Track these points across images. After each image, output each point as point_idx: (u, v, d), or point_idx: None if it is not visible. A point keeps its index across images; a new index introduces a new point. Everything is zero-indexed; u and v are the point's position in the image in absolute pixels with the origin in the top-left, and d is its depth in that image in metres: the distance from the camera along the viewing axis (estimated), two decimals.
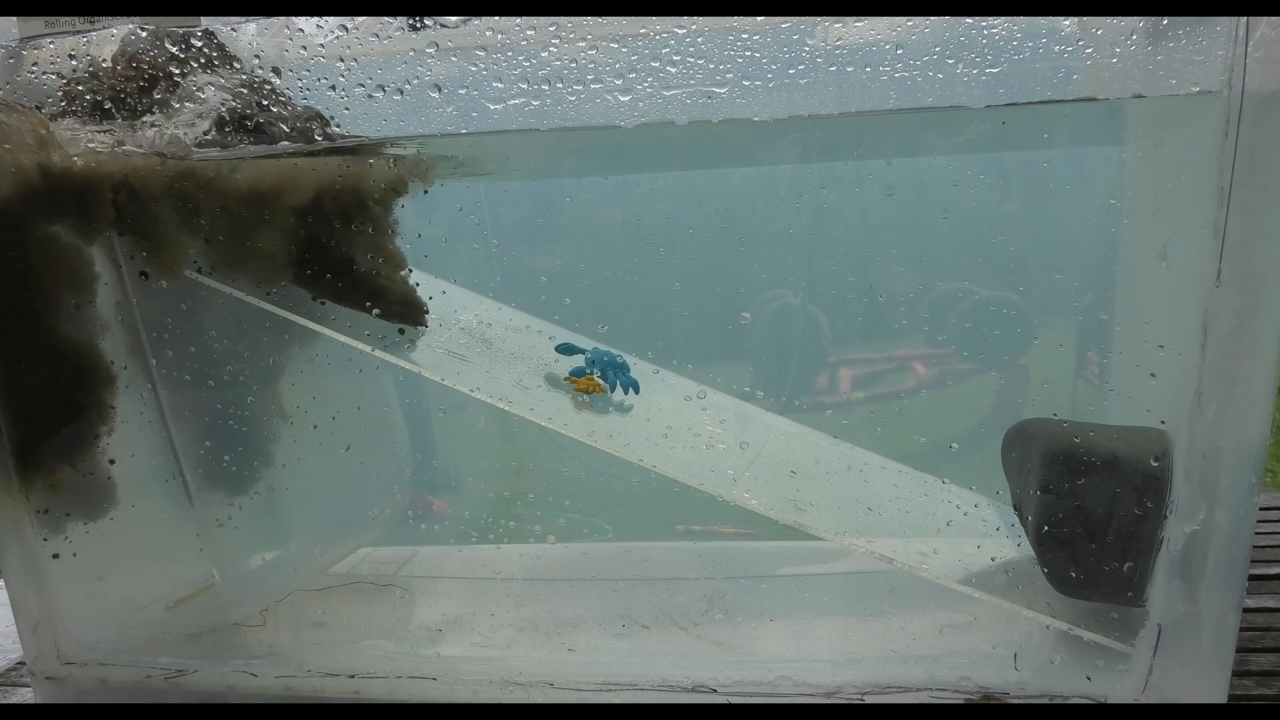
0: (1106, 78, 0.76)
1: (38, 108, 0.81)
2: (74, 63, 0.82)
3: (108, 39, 0.81)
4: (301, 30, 0.78)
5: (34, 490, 0.86)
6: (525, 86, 0.77)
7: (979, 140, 0.92)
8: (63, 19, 0.81)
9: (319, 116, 0.82)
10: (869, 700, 0.79)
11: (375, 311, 0.90)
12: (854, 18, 0.74)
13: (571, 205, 0.94)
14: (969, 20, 0.73)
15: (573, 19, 0.75)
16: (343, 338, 0.88)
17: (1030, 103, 0.77)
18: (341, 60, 0.78)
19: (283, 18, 0.78)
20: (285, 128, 0.82)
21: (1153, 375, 0.77)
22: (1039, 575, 0.82)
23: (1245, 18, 0.65)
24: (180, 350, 0.94)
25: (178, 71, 0.82)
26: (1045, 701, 0.77)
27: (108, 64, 0.82)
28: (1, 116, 0.78)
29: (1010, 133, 0.86)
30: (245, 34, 0.82)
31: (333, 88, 0.79)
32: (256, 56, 0.83)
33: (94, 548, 0.90)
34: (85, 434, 0.87)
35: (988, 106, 0.76)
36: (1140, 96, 0.75)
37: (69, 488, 0.87)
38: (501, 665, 0.88)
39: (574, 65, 0.76)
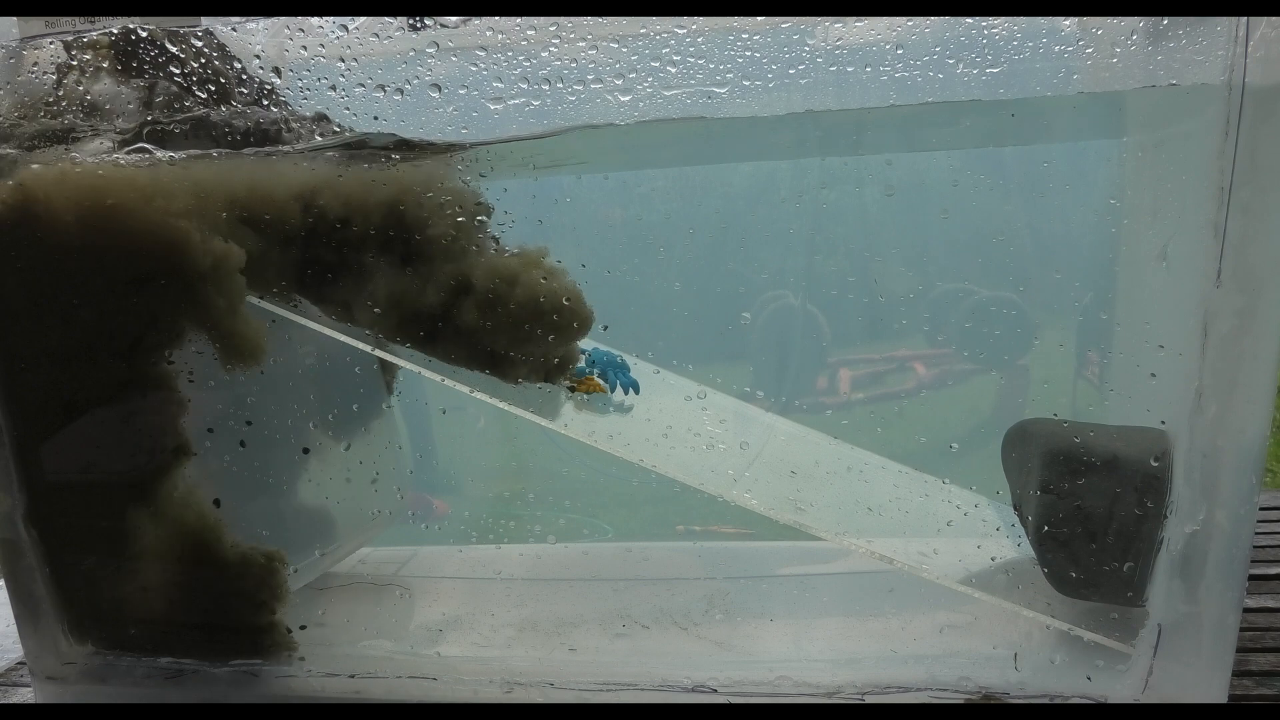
0: (1107, 77, 0.76)
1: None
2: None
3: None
4: (302, 30, 0.78)
5: None
6: (525, 86, 0.77)
7: (980, 137, 0.92)
8: (63, 19, 0.81)
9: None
10: (869, 700, 0.79)
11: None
12: (854, 18, 0.74)
13: (571, 205, 0.94)
14: (969, 20, 0.73)
15: (573, 19, 0.75)
16: (342, 337, 0.88)
17: (1031, 98, 0.77)
18: (341, 60, 0.78)
19: (282, 18, 0.78)
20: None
21: (1153, 375, 0.77)
22: (1039, 575, 0.82)
23: (1245, 17, 0.65)
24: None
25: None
26: (1045, 701, 0.77)
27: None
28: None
29: (1011, 131, 0.86)
30: (254, 35, 0.81)
31: (333, 88, 0.79)
32: (257, 56, 0.83)
33: None
34: None
35: (990, 102, 0.76)
36: (1145, 88, 0.75)
37: None
38: (501, 665, 0.88)
39: (574, 65, 0.76)
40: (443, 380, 0.87)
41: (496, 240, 0.88)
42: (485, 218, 0.87)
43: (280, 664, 0.88)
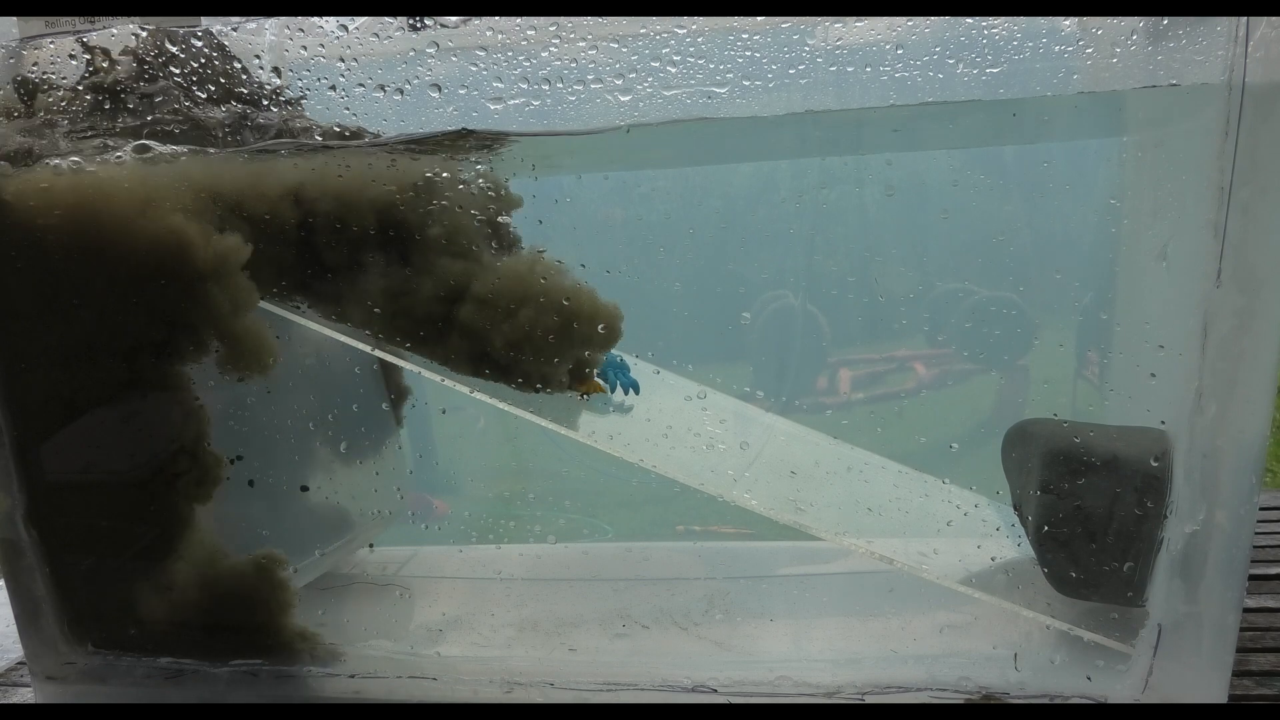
0: (1107, 77, 0.76)
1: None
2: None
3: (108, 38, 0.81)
4: (302, 30, 0.78)
5: None
6: (525, 86, 0.77)
7: (980, 137, 0.92)
8: (63, 19, 0.81)
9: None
10: (869, 700, 0.79)
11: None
12: (854, 18, 0.74)
13: (571, 205, 0.94)
14: (969, 20, 0.73)
15: (573, 19, 0.75)
16: (343, 337, 0.88)
17: (1031, 98, 0.77)
18: (341, 60, 0.78)
19: (281, 18, 0.78)
20: None
21: (1153, 375, 0.77)
22: (1039, 575, 0.82)
23: (1245, 17, 0.65)
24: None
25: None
26: (1045, 701, 0.77)
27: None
28: None
29: (1012, 131, 0.86)
30: (262, 36, 0.81)
31: (333, 88, 0.79)
32: (257, 56, 0.83)
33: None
34: None
35: (990, 102, 0.76)
36: (1145, 88, 0.75)
37: None
38: (501, 665, 0.88)
39: (574, 65, 0.76)
40: (443, 380, 0.87)
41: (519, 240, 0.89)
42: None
43: (284, 663, 0.88)
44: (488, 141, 0.81)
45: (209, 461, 0.84)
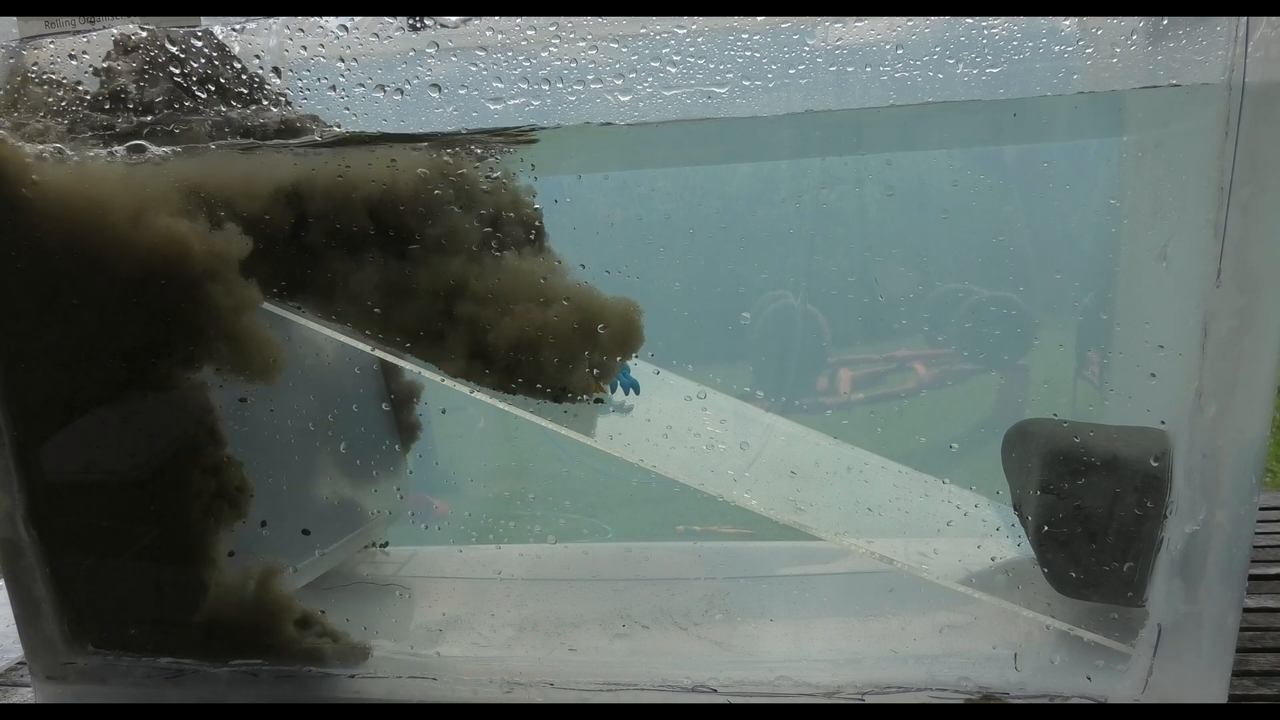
0: (1107, 77, 0.76)
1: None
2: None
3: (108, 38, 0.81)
4: (302, 30, 0.78)
5: None
6: (525, 86, 0.77)
7: (980, 137, 0.92)
8: (63, 19, 0.81)
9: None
10: (869, 700, 0.79)
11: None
12: (854, 18, 0.74)
13: (571, 205, 0.94)
14: (969, 20, 0.73)
15: (573, 19, 0.75)
16: (342, 337, 0.88)
17: (1031, 98, 0.77)
18: (341, 60, 0.78)
19: (282, 18, 0.78)
20: None
21: (1153, 375, 0.77)
22: (1039, 575, 0.82)
23: (1245, 17, 0.65)
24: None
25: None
26: (1045, 701, 0.77)
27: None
28: None
29: (1012, 131, 0.86)
30: (262, 37, 0.81)
31: (333, 88, 0.79)
32: (257, 56, 0.83)
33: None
34: None
35: (991, 102, 0.76)
36: (1145, 88, 0.75)
37: None
38: (501, 665, 0.88)
39: (574, 65, 0.76)
40: (443, 380, 0.87)
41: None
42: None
43: (285, 663, 0.88)
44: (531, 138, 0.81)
45: (239, 494, 0.84)
